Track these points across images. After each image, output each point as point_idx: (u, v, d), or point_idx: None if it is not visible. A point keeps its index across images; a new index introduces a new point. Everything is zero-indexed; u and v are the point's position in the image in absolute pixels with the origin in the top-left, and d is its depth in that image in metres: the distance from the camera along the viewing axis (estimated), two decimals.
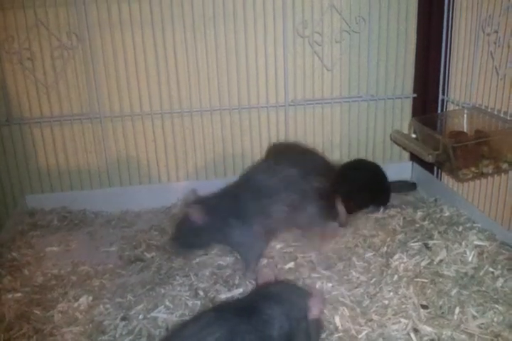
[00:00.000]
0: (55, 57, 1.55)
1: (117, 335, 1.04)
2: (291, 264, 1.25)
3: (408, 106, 1.70)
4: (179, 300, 1.11)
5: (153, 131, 1.63)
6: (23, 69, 1.55)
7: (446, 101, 1.56)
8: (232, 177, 1.64)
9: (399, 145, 1.65)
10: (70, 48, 1.54)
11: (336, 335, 0.98)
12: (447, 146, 1.27)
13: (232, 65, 1.60)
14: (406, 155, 1.75)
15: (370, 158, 1.72)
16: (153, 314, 1.08)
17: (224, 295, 1.12)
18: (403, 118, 1.70)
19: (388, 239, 1.32)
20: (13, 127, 1.57)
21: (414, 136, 1.47)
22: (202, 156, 1.68)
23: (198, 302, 1.10)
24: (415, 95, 1.68)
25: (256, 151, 1.68)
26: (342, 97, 1.67)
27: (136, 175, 1.65)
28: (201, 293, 1.14)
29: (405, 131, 1.67)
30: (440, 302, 1.07)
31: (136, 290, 1.18)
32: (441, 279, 1.14)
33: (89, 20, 1.52)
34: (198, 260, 1.30)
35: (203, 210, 1.17)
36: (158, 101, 1.61)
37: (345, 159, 1.71)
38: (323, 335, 0.97)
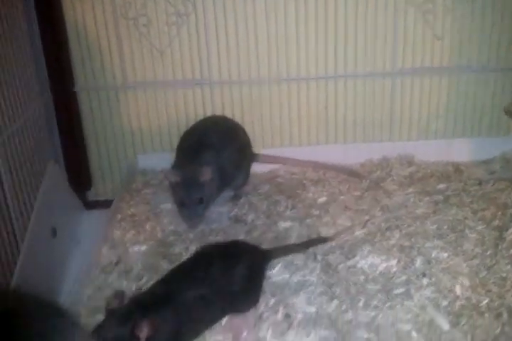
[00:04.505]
0: (170, 24, 1.60)
1: None
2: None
3: None
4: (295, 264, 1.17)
5: (260, 98, 1.67)
6: (139, 35, 1.60)
7: None
8: (331, 145, 1.71)
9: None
10: (184, 15, 1.59)
11: (459, 303, 1.02)
12: None
13: (340, 31, 1.60)
14: None
15: (475, 131, 1.70)
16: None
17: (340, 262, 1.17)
18: None
19: (499, 213, 1.32)
20: (128, 90, 1.65)
21: None
22: (304, 124, 1.71)
23: (318, 265, 1.15)
24: None
25: (359, 120, 1.70)
26: (451, 67, 1.64)
27: None
28: (319, 257, 1.19)
29: None
30: None
31: None
32: None
33: None
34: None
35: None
36: (266, 68, 1.64)
37: (449, 130, 1.71)
38: (446, 302, 1.01)
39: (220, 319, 0.99)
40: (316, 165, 1.64)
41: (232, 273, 0.98)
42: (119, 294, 0.89)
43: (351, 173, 1.59)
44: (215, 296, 0.94)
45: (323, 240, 1.24)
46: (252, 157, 1.56)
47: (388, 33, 1.61)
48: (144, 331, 0.82)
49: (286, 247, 1.20)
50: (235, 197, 1.52)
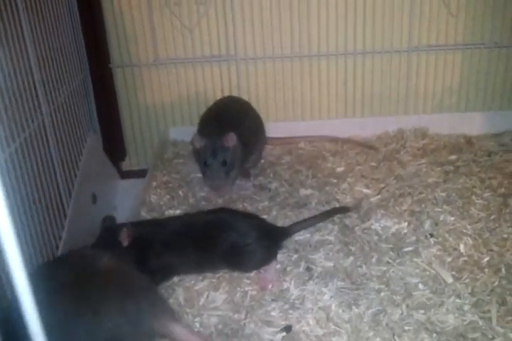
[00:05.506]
0: (199, 3, 1.70)
1: None
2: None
3: None
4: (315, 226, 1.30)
5: (282, 73, 1.77)
6: (170, 13, 1.71)
7: None
8: (350, 118, 1.82)
9: None
10: None
11: (462, 259, 1.14)
12: None
13: (359, 10, 1.69)
14: None
15: (487, 105, 1.79)
16: None
17: (356, 224, 1.29)
18: None
19: (506, 182, 1.42)
20: (160, 67, 1.76)
21: None
22: (324, 98, 1.81)
23: (336, 227, 1.28)
24: None
25: (376, 95, 1.79)
26: (465, 44, 1.72)
27: (265, 113, 1.80)
28: (336, 220, 1.31)
29: None
30: None
31: (271, 212, 1.38)
32: None
33: None
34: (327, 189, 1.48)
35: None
36: (288, 44, 1.74)
37: (462, 105, 1.80)
38: (450, 259, 1.13)
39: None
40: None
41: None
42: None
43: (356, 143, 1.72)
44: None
45: (342, 210, 1.34)
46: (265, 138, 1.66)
47: (405, 11, 1.69)
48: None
49: (304, 222, 1.26)
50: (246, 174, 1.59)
